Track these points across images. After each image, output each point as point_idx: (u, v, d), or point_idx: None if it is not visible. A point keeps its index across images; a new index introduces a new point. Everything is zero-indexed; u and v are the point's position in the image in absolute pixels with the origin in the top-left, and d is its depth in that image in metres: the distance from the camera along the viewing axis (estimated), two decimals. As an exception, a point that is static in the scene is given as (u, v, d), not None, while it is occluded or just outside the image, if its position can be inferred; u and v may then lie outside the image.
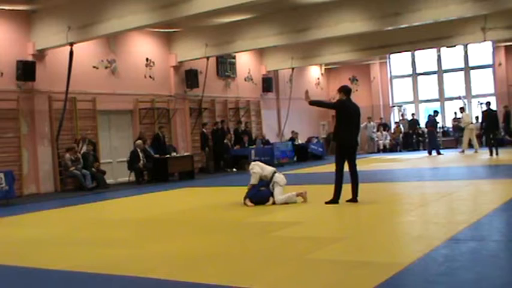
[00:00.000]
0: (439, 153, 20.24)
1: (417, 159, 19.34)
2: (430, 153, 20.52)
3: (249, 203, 9.33)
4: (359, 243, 5.94)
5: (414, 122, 25.47)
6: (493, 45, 24.32)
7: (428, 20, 16.22)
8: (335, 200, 8.66)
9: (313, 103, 9.17)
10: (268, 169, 9.62)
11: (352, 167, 8.74)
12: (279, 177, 9.46)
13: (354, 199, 8.66)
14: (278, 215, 8.28)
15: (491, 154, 17.53)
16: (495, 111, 19.19)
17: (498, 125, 18.98)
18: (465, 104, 23.65)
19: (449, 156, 19.35)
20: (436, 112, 21.32)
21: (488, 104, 18.67)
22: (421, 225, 6.96)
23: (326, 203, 8.68)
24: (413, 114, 25.93)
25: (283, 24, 17.62)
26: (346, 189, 8.69)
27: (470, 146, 20.30)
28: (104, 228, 8.37)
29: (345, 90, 8.90)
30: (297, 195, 9.36)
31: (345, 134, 8.71)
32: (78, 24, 14.05)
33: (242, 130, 21.18)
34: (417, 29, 18.29)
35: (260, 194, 9.37)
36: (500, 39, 21.70)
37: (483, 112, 18.58)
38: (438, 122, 22.45)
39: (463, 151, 19.95)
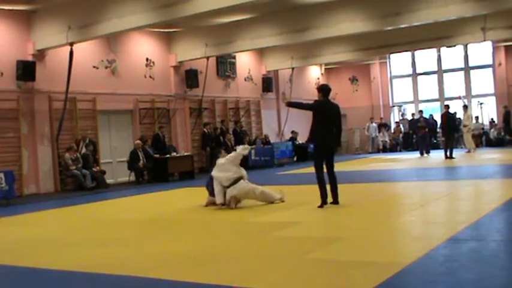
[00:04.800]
0: (427, 152, 20.46)
1: (417, 159, 19.35)
2: (421, 154, 20.55)
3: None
4: (359, 243, 5.94)
5: (414, 122, 25.46)
6: (493, 45, 24.32)
7: (428, 20, 16.20)
8: (322, 204, 8.35)
9: (290, 104, 8.87)
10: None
11: (330, 168, 8.47)
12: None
13: (335, 202, 8.40)
14: (278, 215, 8.27)
15: (447, 156, 17.64)
16: (454, 113, 19.30)
17: (457, 127, 19.09)
18: (465, 104, 23.63)
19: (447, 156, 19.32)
20: (431, 116, 21.47)
21: (447, 107, 18.72)
22: (421, 225, 6.96)
23: (318, 207, 8.38)
24: (413, 114, 25.93)
25: (283, 24, 17.61)
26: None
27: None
28: (104, 228, 8.37)
29: (324, 90, 8.54)
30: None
31: (322, 134, 8.39)
32: (78, 24, 14.05)
33: (239, 130, 21.14)
34: (417, 29, 18.28)
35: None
36: (500, 39, 21.72)
37: (442, 115, 18.57)
38: (435, 122, 22.59)
39: (469, 151, 20.04)
